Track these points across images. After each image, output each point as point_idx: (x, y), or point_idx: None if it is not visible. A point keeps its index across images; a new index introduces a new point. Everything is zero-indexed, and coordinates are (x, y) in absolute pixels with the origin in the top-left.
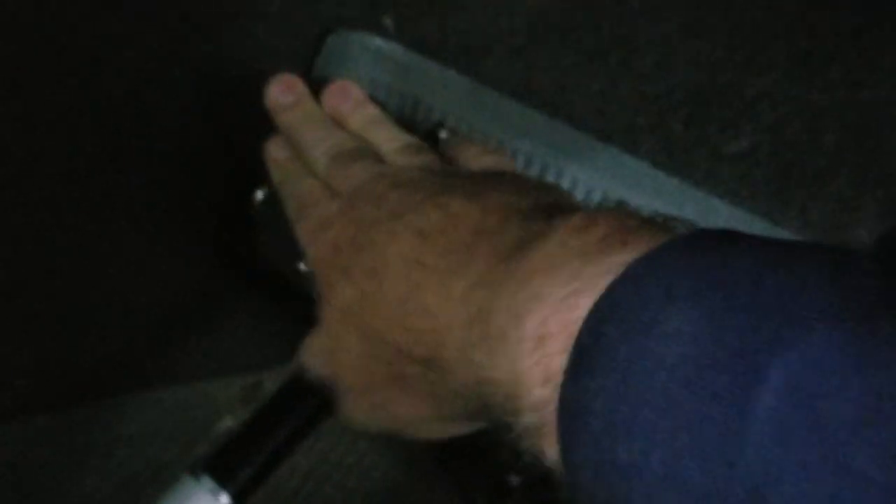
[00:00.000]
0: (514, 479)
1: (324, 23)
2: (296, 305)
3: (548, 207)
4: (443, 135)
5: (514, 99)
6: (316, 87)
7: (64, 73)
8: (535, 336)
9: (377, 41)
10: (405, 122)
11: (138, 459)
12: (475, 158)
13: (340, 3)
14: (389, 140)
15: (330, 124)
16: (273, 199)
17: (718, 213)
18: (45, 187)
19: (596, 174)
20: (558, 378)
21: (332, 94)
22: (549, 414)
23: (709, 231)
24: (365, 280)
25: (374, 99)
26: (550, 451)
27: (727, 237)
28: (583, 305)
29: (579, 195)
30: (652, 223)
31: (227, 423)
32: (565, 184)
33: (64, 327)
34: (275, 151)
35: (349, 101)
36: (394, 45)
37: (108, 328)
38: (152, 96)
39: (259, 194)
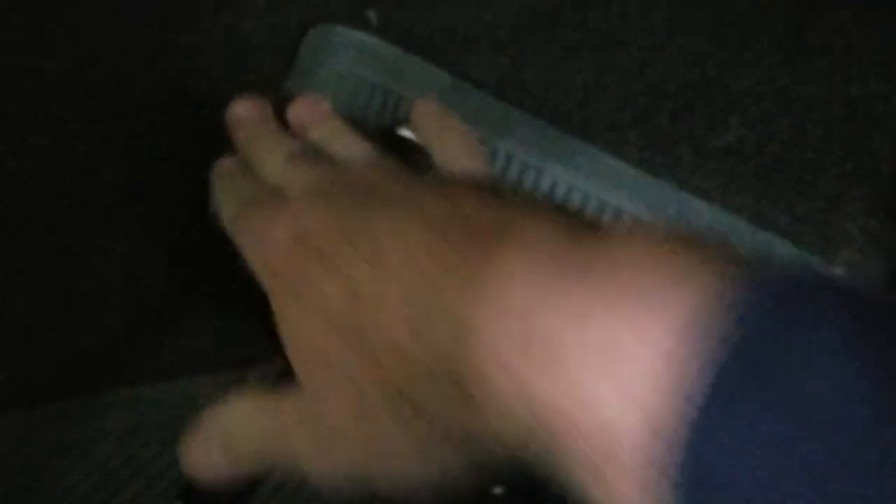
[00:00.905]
0: (498, 490)
1: (307, 17)
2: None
3: (571, 214)
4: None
5: (496, 96)
6: (297, 81)
7: (45, 65)
8: (606, 343)
9: (360, 36)
10: (387, 118)
11: (118, 457)
12: (454, 157)
13: None
14: (352, 150)
15: (288, 134)
16: None
17: (701, 215)
18: (22, 183)
19: (577, 174)
20: (637, 395)
21: (297, 107)
22: (620, 438)
23: (805, 272)
24: (359, 271)
25: (356, 95)
26: (617, 485)
27: (831, 283)
28: (663, 320)
29: (559, 195)
30: (712, 248)
31: None
32: (545, 183)
33: (43, 322)
34: (222, 162)
35: (314, 114)
36: (377, 40)
37: (88, 323)
38: (135, 91)
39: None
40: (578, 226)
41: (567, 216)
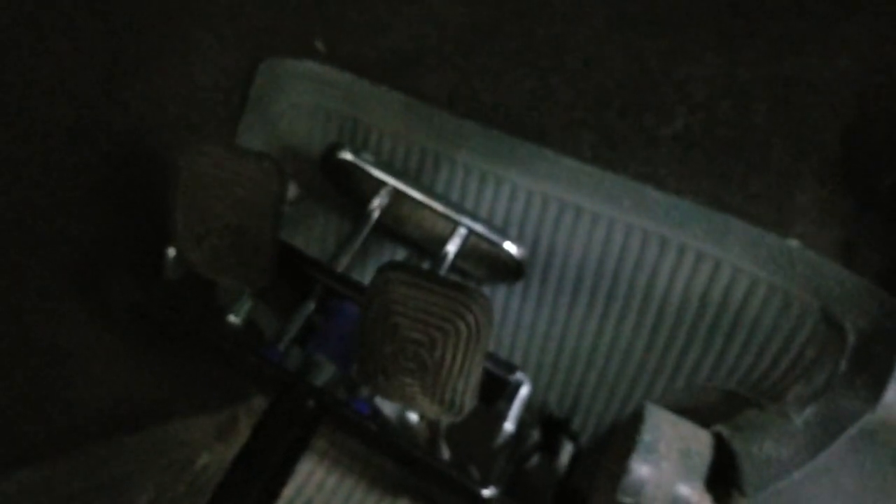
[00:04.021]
0: (489, 492)
1: (255, 53)
2: (217, 352)
3: None
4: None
5: (449, 110)
6: (252, 118)
7: (1, 133)
8: None
9: (310, 65)
10: (344, 142)
11: None
12: None
13: (271, 32)
14: None
15: None
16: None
17: (657, 205)
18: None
19: (534, 178)
20: None
21: None
22: None
23: None
24: None
25: (313, 124)
26: None
27: None
28: None
29: (520, 200)
30: None
31: (205, 460)
32: (505, 191)
33: (31, 379)
34: None
35: None
36: (327, 68)
37: (71, 375)
38: (89, 147)
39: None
40: None
41: None
